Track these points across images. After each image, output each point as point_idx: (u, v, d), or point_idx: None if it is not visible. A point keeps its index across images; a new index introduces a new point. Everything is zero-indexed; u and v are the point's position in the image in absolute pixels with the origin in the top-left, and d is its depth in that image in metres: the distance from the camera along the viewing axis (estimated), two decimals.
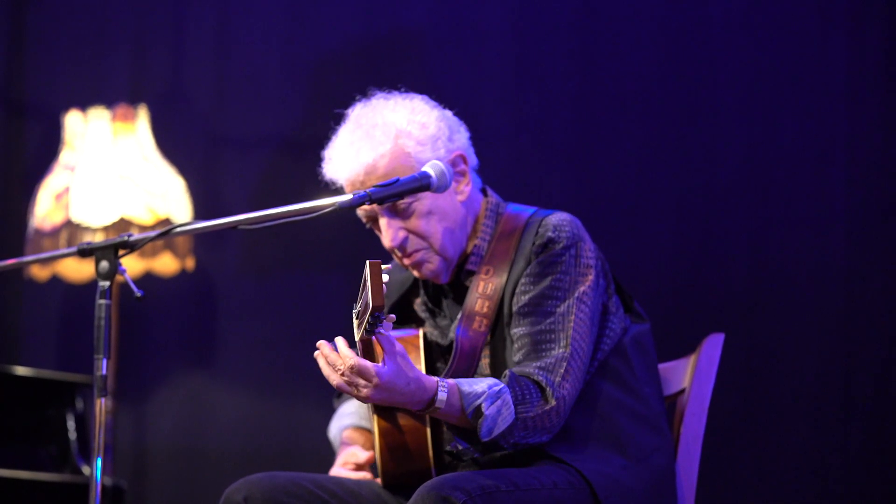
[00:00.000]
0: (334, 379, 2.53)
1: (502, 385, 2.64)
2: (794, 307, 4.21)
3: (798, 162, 4.24)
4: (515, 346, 2.74)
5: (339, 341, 2.53)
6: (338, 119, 2.89)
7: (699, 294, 4.30)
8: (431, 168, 2.71)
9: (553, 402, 2.65)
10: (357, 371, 2.50)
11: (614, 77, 4.47)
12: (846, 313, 4.16)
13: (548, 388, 2.66)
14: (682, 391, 2.95)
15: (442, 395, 2.57)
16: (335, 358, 2.52)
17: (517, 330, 2.75)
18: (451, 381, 2.61)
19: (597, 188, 4.45)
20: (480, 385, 2.62)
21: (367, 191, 2.65)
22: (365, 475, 2.94)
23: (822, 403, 4.15)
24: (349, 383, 2.52)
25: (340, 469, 2.96)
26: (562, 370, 2.68)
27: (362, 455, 2.95)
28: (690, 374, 2.94)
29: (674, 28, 4.41)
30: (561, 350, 2.70)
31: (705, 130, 4.35)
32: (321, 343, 2.55)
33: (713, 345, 2.95)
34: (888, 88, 4.17)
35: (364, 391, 2.51)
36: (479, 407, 2.60)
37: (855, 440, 4.12)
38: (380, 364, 2.51)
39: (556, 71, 4.54)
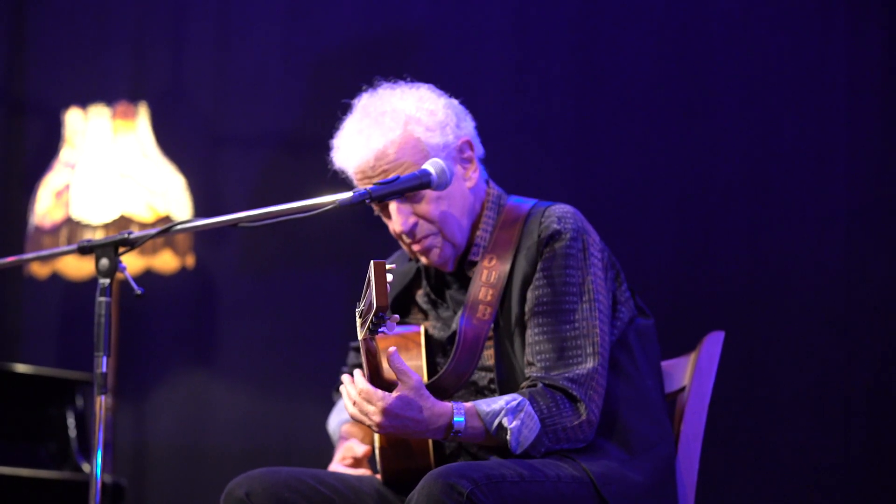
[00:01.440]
0: (350, 408, 2.61)
1: (520, 399, 2.66)
2: (794, 306, 4.21)
3: (798, 161, 4.25)
4: (535, 348, 2.74)
5: (357, 372, 2.60)
6: (344, 109, 2.89)
7: (699, 292, 4.31)
8: (432, 166, 2.72)
9: (585, 416, 2.67)
10: (365, 396, 2.57)
11: (614, 76, 4.47)
12: (846, 312, 4.17)
13: (581, 403, 2.68)
14: (683, 389, 2.95)
15: (459, 418, 2.61)
16: (350, 389, 2.60)
17: (536, 331, 2.75)
18: (467, 404, 2.64)
19: (597, 187, 4.45)
20: (498, 403, 2.65)
21: (368, 189, 2.66)
22: (364, 471, 2.94)
23: (822, 401, 4.16)
24: (361, 411, 2.58)
25: (339, 464, 2.97)
26: (594, 382, 2.70)
27: (359, 449, 2.96)
28: (691, 372, 2.94)
29: (674, 27, 4.41)
30: (591, 361, 2.71)
31: (705, 129, 4.35)
32: (345, 377, 2.63)
33: (713, 343, 2.96)
34: (888, 88, 4.17)
35: (374, 418, 2.57)
36: (500, 423, 2.63)
37: (855, 438, 4.13)
38: (389, 393, 2.56)
39: (556, 70, 4.54)
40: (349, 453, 2.97)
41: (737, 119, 4.32)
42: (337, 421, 3.09)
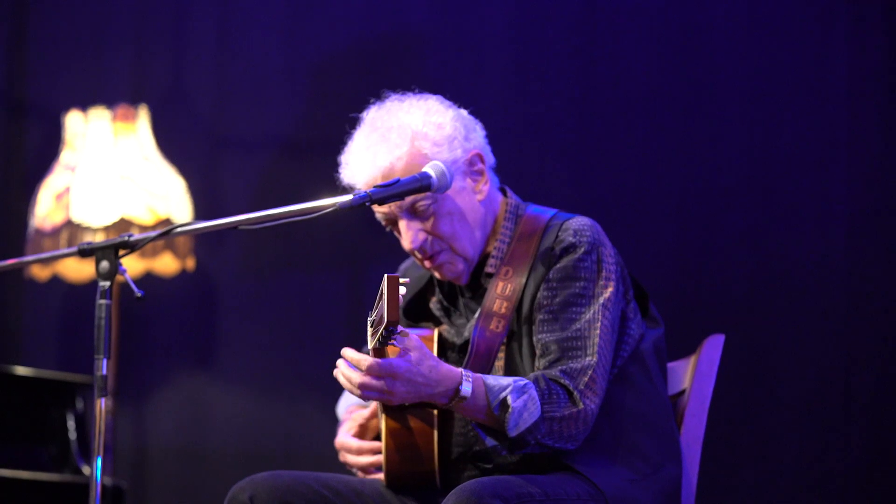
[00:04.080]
0: (357, 389, 2.54)
1: (526, 381, 2.65)
2: (794, 308, 4.21)
3: (799, 162, 4.25)
4: (539, 352, 2.74)
5: (351, 352, 2.55)
6: (352, 123, 2.88)
7: (700, 295, 4.30)
8: (432, 168, 2.72)
9: (580, 406, 2.66)
10: (378, 372, 2.51)
11: (615, 77, 4.47)
12: (846, 313, 4.16)
13: (574, 392, 2.66)
14: (683, 392, 2.95)
15: (466, 386, 2.59)
16: (350, 374, 2.54)
17: (542, 336, 2.74)
18: (475, 374, 2.63)
19: (597, 189, 4.45)
20: (506, 379, 2.64)
21: (368, 191, 2.65)
22: (371, 445, 2.93)
23: (823, 403, 4.16)
24: (374, 386, 2.53)
25: (346, 434, 2.96)
26: (586, 378, 2.68)
27: (366, 411, 2.95)
28: (691, 375, 2.94)
29: (675, 28, 4.41)
30: (588, 358, 2.70)
31: (706, 131, 4.35)
32: (340, 361, 2.57)
33: (713, 346, 2.95)
34: (889, 88, 4.17)
35: (388, 387, 2.52)
36: (504, 399, 2.61)
37: (855, 440, 4.12)
38: (396, 357, 2.53)
39: (556, 71, 4.54)
40: (357, 420, 2.96)
41: (737, 121, 4.32)
42: (346, 405, 3.09)
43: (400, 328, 2.45)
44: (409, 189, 2.68)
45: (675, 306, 4.30)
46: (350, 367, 2.56)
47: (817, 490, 4.16)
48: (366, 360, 2.52)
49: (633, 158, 4.43)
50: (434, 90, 2.94)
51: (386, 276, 2.41)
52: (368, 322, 2.55)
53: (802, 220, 4.23)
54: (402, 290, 2.41)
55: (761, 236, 4.26)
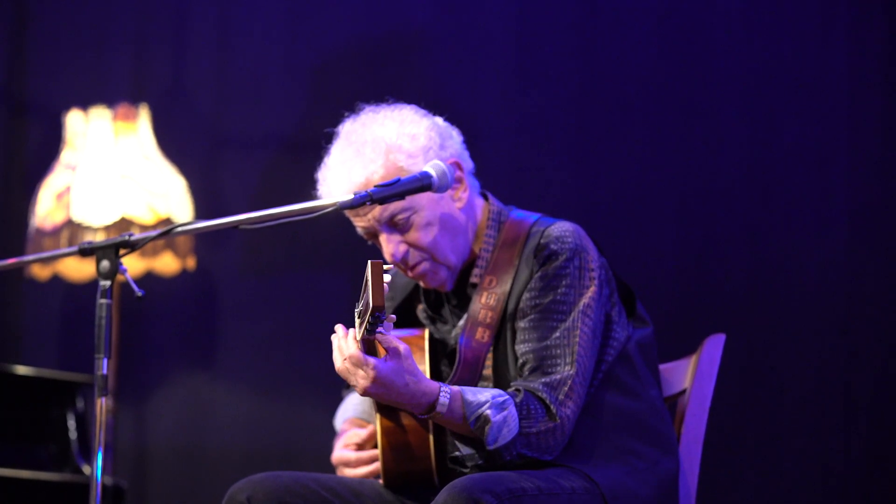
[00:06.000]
0: (338, 364, 2.58)
1: (507, 396, 2.65)
2: (794, 307, 4.21)
3: (799, 162, 4.25)
4: (520, 360, 2.74)
5: (351, 332, 2.58)
6: (328, 138, 2.88)
7: (700, 294, 4.31)
8: (432, 168, 2.71)
9: (557, 420, 2.67)
10: (355, 362, 2.55)
11: (615, 77, 4.47)
12: (847, 313, 4.17)
13: (552, 406, 2.67)
14: (683, 392, 2.95)
15: (444, 400, 2.60)
16: (343, 344, 2.57)
17: (521, 346, 2.75)
18: (455, 388, 2.63)
19: (597, 188, 4.46)
20: (484, 395, 2.64)
21: (369, 191, 2.65)
22: (369, 454, 2.94)
23: (823, 403, 4.16)
24: (349, 371, 2.57)
25: (343, 450, 2.96)
26: (566, 388, 2.68)
27: (363, 432, 2.96)
28: (691, 375, 2.94)
29: (674, 28, 4.41)
30: (567, 369, 2.70)
31: (706, 131, 4.36)
32: (339, 326, 2.61)
33: (714, 345, 2.95)
34: (889, 88, 4.18)
35: (361, 382, 2.56)
36: (483, 415, 2.62)
37: (856, 440, 4.13)
38: (380, 359, 2.55)
39: (556, 71, 4.54)
40: (353, 439, 2.97)
41: (737, 121, 4.32)
42: (342, 418, 3.10)
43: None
44: (410, 188, 2.68)
45: (676, 306, 4.30)
46: (343, 339, 2.59)
47: (817, 490, 4.16)
48: (347, 350, 2.55)
49: (633, 158, 4.43)
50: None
51: (370, 262, 2.41)
52: (356, 313, 2.55)
53: (802, 220, 4.23)
54: (387, 277, 2.41)
55: (762, 235, 4.27)
